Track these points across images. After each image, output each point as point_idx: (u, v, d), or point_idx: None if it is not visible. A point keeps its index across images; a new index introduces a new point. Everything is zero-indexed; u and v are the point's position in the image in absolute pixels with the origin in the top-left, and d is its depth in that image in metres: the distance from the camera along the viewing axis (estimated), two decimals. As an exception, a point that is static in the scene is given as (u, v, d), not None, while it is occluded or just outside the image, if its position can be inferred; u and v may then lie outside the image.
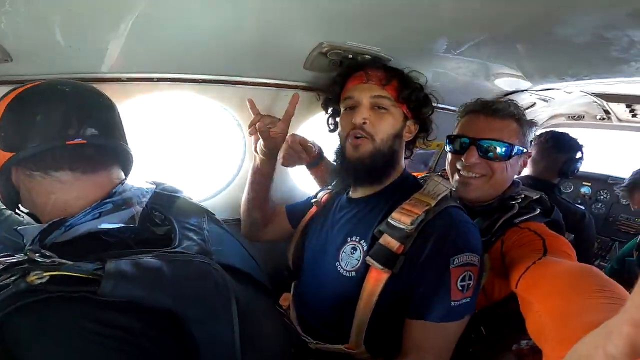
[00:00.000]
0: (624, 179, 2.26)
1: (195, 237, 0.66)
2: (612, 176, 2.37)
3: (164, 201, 0.73)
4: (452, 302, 0.71)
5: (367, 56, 0.92)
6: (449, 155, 1.03)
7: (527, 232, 0.85)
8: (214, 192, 1.25)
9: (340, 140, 0.91)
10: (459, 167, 0.97)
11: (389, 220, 0.78)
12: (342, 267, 0.83)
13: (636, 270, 1.47)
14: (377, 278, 0.75)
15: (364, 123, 0.84)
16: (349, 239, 0.84)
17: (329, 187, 1.04)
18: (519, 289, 0.69)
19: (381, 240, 0.77)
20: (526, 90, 1.42)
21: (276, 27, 0.79)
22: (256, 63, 0.97)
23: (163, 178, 0.80)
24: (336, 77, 0.94)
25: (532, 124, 1.02)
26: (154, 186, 0.71)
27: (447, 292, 0.71)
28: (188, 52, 0.86)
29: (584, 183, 2.45)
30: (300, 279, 1.00)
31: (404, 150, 0.92)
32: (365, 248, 0.80)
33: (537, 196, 0.96)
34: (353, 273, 0.80)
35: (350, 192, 0.94)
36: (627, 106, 1.58)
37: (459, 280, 0.72)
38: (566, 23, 0.77)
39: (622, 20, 0.69)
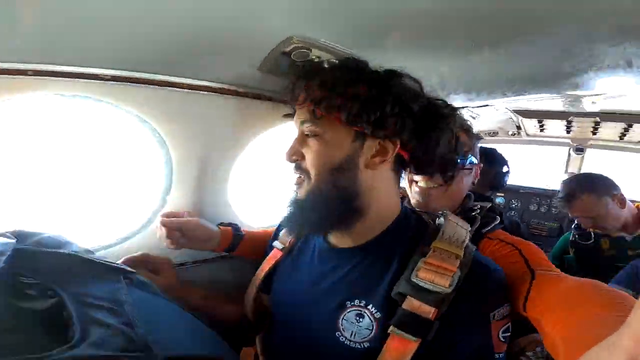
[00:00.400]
0: (533, 188, 2.62)
1: (110, 320, 0.41)
2: (522, 186, 2.70)
3: (39, 262, 0.45)
4: (496, 355, 0.62)
5: (335, 60, 0.74)
6: None
7: (499, 243, 0.83)
8: (128, 234, 0.92)
9: None
10: (416, 179, 0.95)
11: (414, 280, 0.60)
12: (346, 338, 0.63)
13: (575, 267, 1.63)
14: (402, 349, 0.57)
15: (295, 160, 0.68)
16: (348, 304, 0.64)
17: None
18: (528, 312, 0.64)
19: (406, 306, 0.58)
20: (466, 107, 1.47)
21: (234, 12, 0.58)
22: (194, 59, 0.72)
23: (39, 224, 0.51)
24: (291, 88, 0.70)
25: (479, 137, 1.07)
26: (14, 240, 0.44)
27: (491, 347, 0.61)
28: (89, 35, 0.58)
29: (497, 194, 2.74)
30: (273, 338, 0.77)
31: (380, 183, 0.68)
32: (377, 314, 0.62)
33: (490, 205, 1.00)
34: (366, 344, 0.61)
35: (330, 238, 0.72)
36: (539, 121, 1.80)
37: (501, 332, 0.63)
38: (535, 35, 0.75)
39: (597, 36, 0.69)
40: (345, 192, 0.64)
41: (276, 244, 0.83)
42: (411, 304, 0.59)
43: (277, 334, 0.77)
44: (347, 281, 0.66)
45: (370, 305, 0.63)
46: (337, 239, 0.71)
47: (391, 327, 0.58)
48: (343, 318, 0.64)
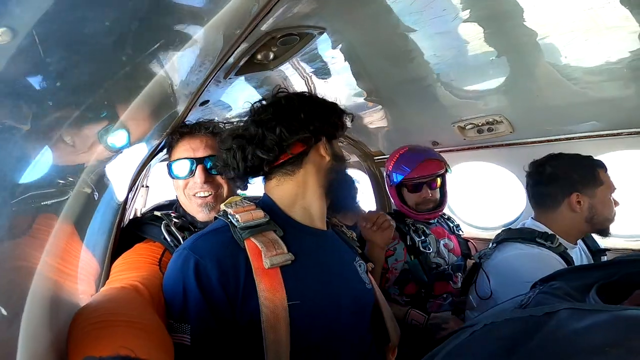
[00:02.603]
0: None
1: None
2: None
3: None
4: None
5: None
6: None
7: None
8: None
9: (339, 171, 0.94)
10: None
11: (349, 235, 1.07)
12: (367, 283, 0.94)
13: None
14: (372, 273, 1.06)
15: None
16: (356, 263, 0.96)
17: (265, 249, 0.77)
18: None
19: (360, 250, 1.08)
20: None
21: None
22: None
23: None
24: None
25: None
26: None
27: None
28: None
29: None
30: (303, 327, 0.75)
31: None
32: (361, 261, 0.99)
33: None
34: (369, 284, 0.96)
35: (319, 224, 0.91)
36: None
37: None
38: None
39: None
40: None
41: (274, 261, 0.74)
42: (358, 251, 1.04)
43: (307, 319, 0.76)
44: (345, 249, 0.98)
45: (357, 257, 0.98)
46: (320, 224, 0.91)
47: (369, 264, 1.09)
48: (359, 273, 0.94)
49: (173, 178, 1.05)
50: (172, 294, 0.72)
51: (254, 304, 0.70)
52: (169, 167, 1.05)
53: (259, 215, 0.80)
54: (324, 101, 0.92)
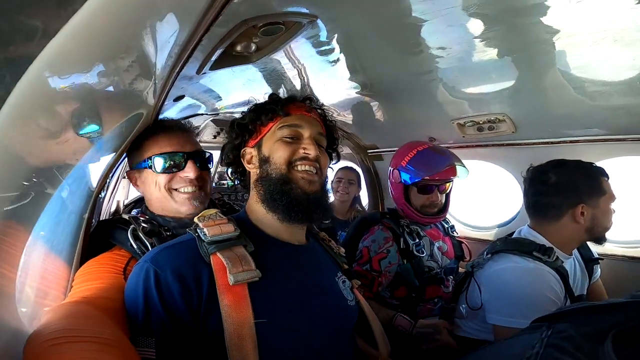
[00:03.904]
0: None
1: None
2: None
3: None
4: None
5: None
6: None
7: None
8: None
9: (277, 170, 0.82)
10: None
11: (336, 251, 1.01)
12: (349, 301, 0.89)
13: None
14: (357, 291, 0.96)
15: (318, 157, 0.82)
16: (337, 278, 0.91)
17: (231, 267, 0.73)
18: None
19: (345, 267, 0.99)
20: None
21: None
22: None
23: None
24: (277, 98, 0.88)
25: None
26: None
27: None
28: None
29: None
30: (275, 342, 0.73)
31: None
32: (344, 278, 0.94)
33: None
34: (353, 301, 0.90)
35: (281, 239, 0.84)
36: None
37: None
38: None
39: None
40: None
41: (239, 278, 0.70)
42: (343, 266, 0.99)
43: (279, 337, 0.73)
44: (325, 264, 0.93)
45: (339, 273, 0.93)
46: (291, 237, 0.85)
47: (355, 281, 0.97)
48: (341, 289, 0.89)
49: (159, 172, 0.97)
50: (134, 307, 0.69)
51: (216, 321, 0.67)
52: (152, 160, 0.97)
53: (228, 229, 0.77)
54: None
